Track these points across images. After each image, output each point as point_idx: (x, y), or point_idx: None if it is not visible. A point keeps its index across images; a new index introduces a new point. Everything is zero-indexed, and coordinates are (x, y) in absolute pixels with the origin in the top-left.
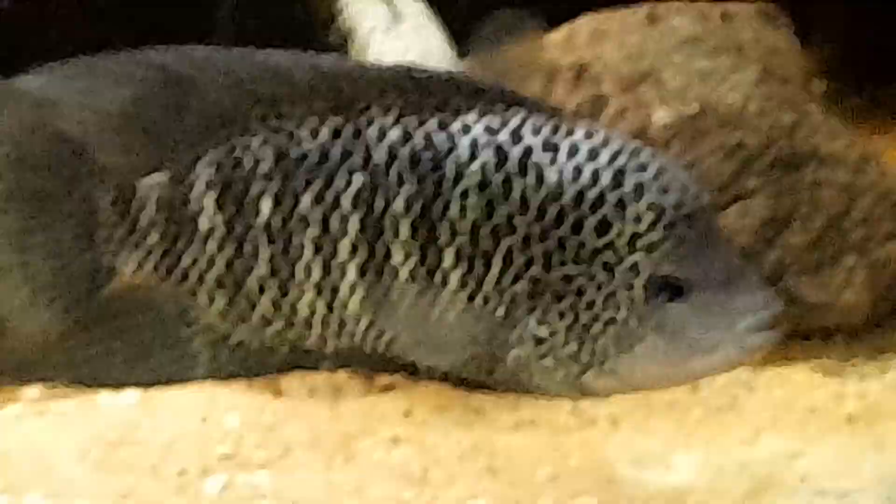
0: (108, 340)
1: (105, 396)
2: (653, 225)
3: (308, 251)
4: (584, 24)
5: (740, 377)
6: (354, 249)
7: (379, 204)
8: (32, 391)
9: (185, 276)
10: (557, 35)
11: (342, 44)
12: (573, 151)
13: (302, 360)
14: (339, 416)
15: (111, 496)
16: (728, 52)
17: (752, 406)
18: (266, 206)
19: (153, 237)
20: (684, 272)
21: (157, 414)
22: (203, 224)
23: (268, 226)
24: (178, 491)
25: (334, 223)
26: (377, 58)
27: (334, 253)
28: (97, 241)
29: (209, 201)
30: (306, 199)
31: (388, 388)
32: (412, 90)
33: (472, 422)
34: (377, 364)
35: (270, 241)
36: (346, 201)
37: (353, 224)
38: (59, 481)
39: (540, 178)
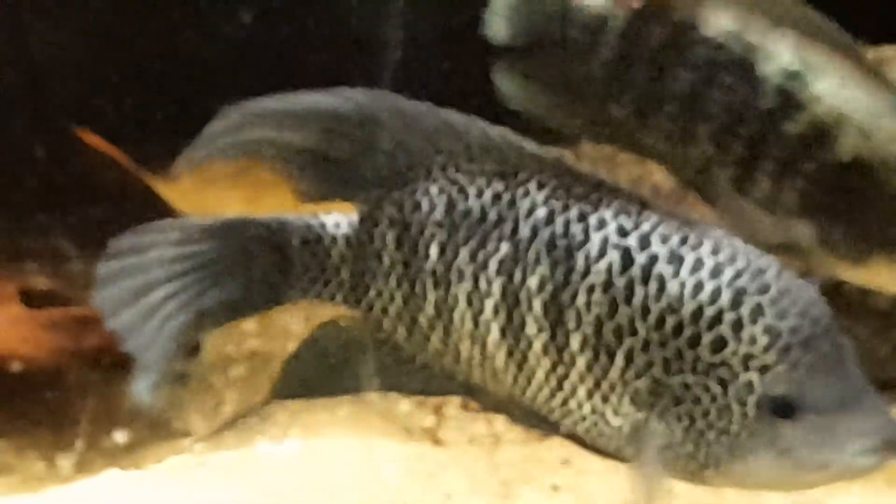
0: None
1: (265, 447)
2: (767, 348)
3: (462, 303)
4: None
5: None
6: (497, 311)
7: (517, 276)
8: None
9: (370, 308)
10: None
11: None
12: (697, 266)
13: (475, 390)
14: (498, 464)
15: None
16: None
17: None
18: (434, 252)
19: (344, 273)
20: (797, 394)
21: (317, 464)
22: (385, 260)
23: (433, 271)
24: None
25: (482, 283)
26: None
27: (482, 310)
28: (290, 280)
29: (391, 239)
30: (464, 254)
31: (545, 437)
32: (564, 174)
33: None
34: (532, 418)
35: (435, 287)
36: (492, 265)
37: (496, 287)
38: None
39: (661, 289)
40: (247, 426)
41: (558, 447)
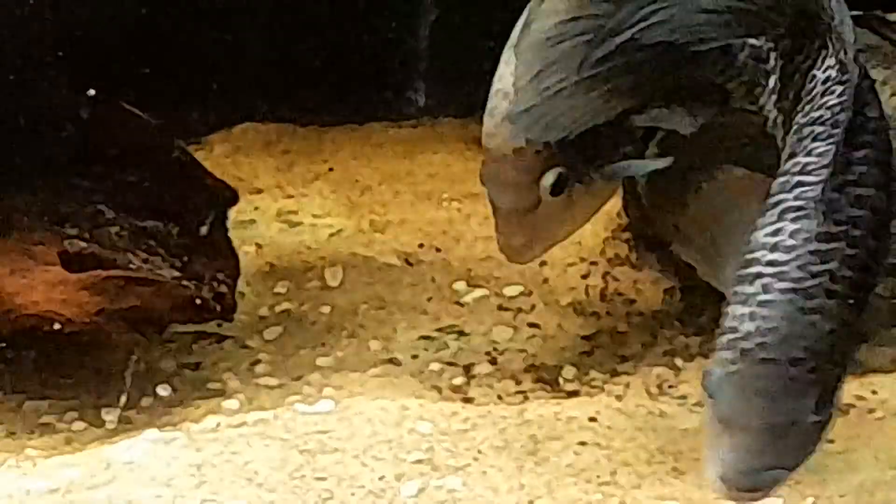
0: None
1: (301, 407)
2: None
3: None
4: None
5: None
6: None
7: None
8: (232, 402)
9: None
10: None
11: None
12: None
13: None
14: (527, 421)
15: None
16: None
17: None
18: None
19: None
20: None
21: (351, 422)
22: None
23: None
24: (375, 497)
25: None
26: None
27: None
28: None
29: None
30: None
31: (572, 395)
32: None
33: (656, 426)
34: None
35: None
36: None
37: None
38: (260, 490)
39: None
40: (280, 386)
41: (585, 404)
